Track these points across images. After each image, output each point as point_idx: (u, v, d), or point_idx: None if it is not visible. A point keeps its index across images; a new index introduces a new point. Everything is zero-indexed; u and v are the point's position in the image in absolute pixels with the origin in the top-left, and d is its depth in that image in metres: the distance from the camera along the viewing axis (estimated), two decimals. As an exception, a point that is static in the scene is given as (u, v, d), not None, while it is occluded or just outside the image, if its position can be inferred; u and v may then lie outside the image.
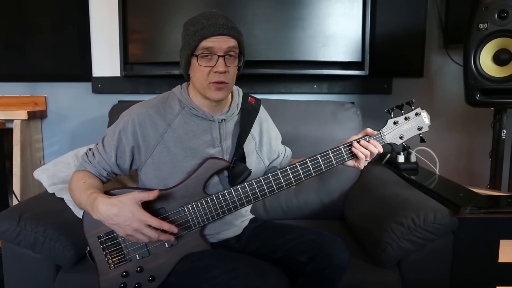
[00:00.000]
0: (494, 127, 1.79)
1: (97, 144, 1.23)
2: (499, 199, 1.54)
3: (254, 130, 1.32)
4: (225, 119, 1.24)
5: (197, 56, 1.13)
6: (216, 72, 1.12)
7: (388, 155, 1.99)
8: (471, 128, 2.18)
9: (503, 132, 1.77)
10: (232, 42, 1.13)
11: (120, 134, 1.19)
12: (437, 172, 1.91)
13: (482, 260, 1.35)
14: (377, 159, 2.06)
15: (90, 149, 1.25)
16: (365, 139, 1.18)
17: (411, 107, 1.21)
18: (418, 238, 1.28)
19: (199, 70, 1.14)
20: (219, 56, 1.12)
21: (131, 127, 1.18)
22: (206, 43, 1.11)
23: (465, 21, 1.66)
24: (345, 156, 1.18)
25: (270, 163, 1.40)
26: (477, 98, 1.66)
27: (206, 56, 1.12)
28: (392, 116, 1.21)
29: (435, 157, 1.93)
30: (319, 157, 1.17)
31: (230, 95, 1.27)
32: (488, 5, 1.58)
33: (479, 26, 1.61)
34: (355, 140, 1.18)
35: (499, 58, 1.62)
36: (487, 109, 1.87)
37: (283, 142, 1.46)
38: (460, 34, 1.71)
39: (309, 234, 1.19)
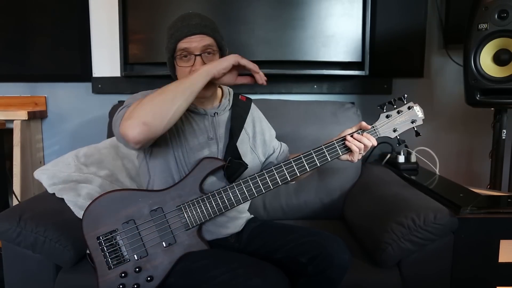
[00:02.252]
0: (494, 127, 1.79)
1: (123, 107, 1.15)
2: (499, 199, 1.54)
3: (248, 127, 1.34)
4: (217, 113, 1.27)
5: (175, 57, 1.18)
6: (194, 70, 1.15)
7: (388, 155, 1.99)
8: (471, 128, 2.18)
9: (503, 132, 1.77)
10: (207, 40, 1.17)
11: (144, 95, 1.16)
12: (437, 172, 1.91)
13: (482, 260, 1.35)
14: (377, 159, 2.06)
15: (119, 110, 1.15)
16: (359, 133, 1.18)
17: (404, 101, 1.21)
18: (418, 238, 1.27)
19: (181, 71, 1.19)
20: (195, 55, 1.16)
21: None
22: (181, 44, 1.17)
23: (465, 21, 1.66)
24: (339, 151, 1.19)
25: (266, 159, 1.41)
26: (477, 98, 1.66)
27: (185, 56, 1.17)
28: (385, 111, 1.21)
29: (435, 157, 1.93)
30: (313, 153, 1.17)
31: (220, 91, 1.32)
32: (488, 5, 1.58)
33: (479, 26, 1.61)
34: (348, 134, 1.18)
35: (499, 58, 1.62)
36: (487, 109, 1.87)
37: (283, 142, 1.47)
38: (460, 34, 1.71)
39: (310, 234, 1.19)
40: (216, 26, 1.22)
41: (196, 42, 1.16)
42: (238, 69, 1.13)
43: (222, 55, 1.22)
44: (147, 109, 1.03)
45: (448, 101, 2.16)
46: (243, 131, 1.31)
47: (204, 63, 1.16)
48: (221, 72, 1.09)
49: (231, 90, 1.35)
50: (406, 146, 1.94)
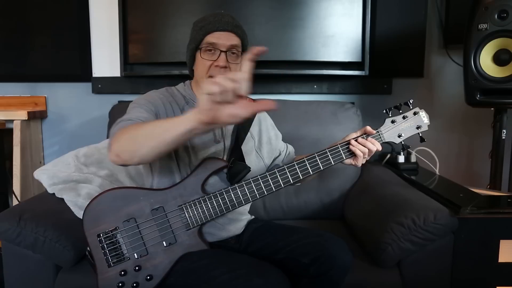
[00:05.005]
0: (494, 127, 1.79)
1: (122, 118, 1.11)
2: (499, 199, 1.54)
3: (253, 129, 1.34)
4: None
5: (200, 49, 1.18)
6: (216, 66, 1.17)
7: (388, 155, 1.99)
8: (471, 128, 2.18)
9: (503, 132, 1.77)
10: (235, 40, 1.19)
11: (151, 101, 1.18)
12: (437, 172, 1.91)
13: (482, 260, 1.35)
14: (377, 159, 2.06)
15: (116, 124, 1.09)
16: (363, 138, 1.18)
17: (410, 107, 1.21)
18: (418, 238, 1.27)
19: (201, 63, 1.19)
20: (221, 51, 1.17)
21: (157, 101, 1.19)
22: (210, 38, 1.17)
23: (465, 21, 1.66)
24: (343, 155, 1.19)
25: (272, 161, 1.41)
26: (477, 98, 1.66)
27: (210, 50, 1.18)
28: (390, 115, 1.22)
29: (435, 157, 1.93)
30: (317, 157, 1.17)
31: None
32: (488, 5, 1.58)
33: (479, 26, 1.61)
34: (353, 139, 1.18)
35: (499, 58, 1.62)
36: (487, 109, 1.87)
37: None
38: (460, 34, 1.71)
39: (312, 235, 1.19)
40: (244, 30, 1.24)
41: (224, 39, 1.17)
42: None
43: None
44: (121, 143, 0.99)
45: (448, 101, 2.16)
46: (248, 134, 1.31)
47: (227, 61, 1.17)
48: (208, 113, 0.83)
49: None
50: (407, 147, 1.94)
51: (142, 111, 1.14)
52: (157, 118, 1.16)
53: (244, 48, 1.23)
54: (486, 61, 1.64)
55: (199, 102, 0.84)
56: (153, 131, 0.96)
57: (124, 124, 1.07)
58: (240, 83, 0.80)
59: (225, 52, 1.17)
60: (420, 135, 1.23)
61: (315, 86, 2.13)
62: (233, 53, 1.19)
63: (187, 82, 1.31)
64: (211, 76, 1.19)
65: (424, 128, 1.22)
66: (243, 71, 0.82)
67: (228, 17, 1.20)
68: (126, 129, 1.01)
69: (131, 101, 1.23)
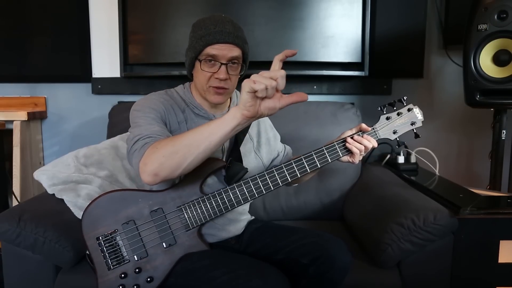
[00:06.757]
0: (494, 127, 1.79)
1: (132, 135, 1.12)
2: (499, 199, 1.54)
3: (252, 131, 1.34)
4: None
5: (200, 60, 1.16)
6: (217, 78, 1.15)
7: (388, 156, 1.99)
8: (471, 128, 2.18)
9: (503, 132, 1.77)
10: (236, 52, 1.16)
11: (155, 108, 1.17)
12: (437, 173, 1.91)
13: (482, 261, 1.35)
14: (377, 160, 2.06)
15: (134, 142, 1.09)
16: (359, 135, 1.19)
17: (403, 103, 1.21)
18: (418, 239, 1.27)
19: (201, 74, 1.17)
20: (222, 63, 1.14)
21: (160, 106, 1.18)
22: (210, 49, 1.14)
23: (464, 22, 1.66)
24: (340, 153, 1.19)
25: (271, 162, 1.41)
26: (477, 98, 1.66)
27: (210, 61, 1.15)
28: (385, 112, 1.22)
29: (435, 157, 1.93)
30: (313, 154, 1.17)
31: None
32: (488, 6, 1.59)
33: (479, 27, 1.61)
34: (349, 136, 1.18)
35: (499, 59, 1.62)
36: (487, 110, 1.87)
37: (283, 143, 1.47)
38: (460, 34, 1.71)
39: (311, 236, 1.19)
40: (245, 36, 1.21)
41: (226, 51, 1.14)
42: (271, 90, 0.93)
43: (243, 68, 1.22)
44: (159, 161, 1.01)
45: (447, 102, 2.17)
46: (247, 136, 1.31)
47: (227, 73, 1.15)
48: (250, 109, 0.94)
49: (238, 93, 1.34)
50: (405, 147, 1.94)
51: (153, 123, 1.13)
52: (166, 125, 1.17)
53: (244, 57, 1.21)
54: (485, 61, 1.64)
55: (241, 100, 0.93)
56: (195, 139, 1.00)
57: (145, 142, 1.06)
58: (279, 80, 0.92)
59: (226, 64, 1.15)
60: (415, 131, 1.23)
61: (314, 87, 2.13)
62: (234, 63, 1.17)
63: (187, 85, 1.30)
64: (212, 87, 1.17)
65: (418, 124, 1.22)
66: (280, 69, 0.94)
67: (229, 25, 1.15)
68: (156, 147, 1.02)
69: (132, 103, 1.22)
